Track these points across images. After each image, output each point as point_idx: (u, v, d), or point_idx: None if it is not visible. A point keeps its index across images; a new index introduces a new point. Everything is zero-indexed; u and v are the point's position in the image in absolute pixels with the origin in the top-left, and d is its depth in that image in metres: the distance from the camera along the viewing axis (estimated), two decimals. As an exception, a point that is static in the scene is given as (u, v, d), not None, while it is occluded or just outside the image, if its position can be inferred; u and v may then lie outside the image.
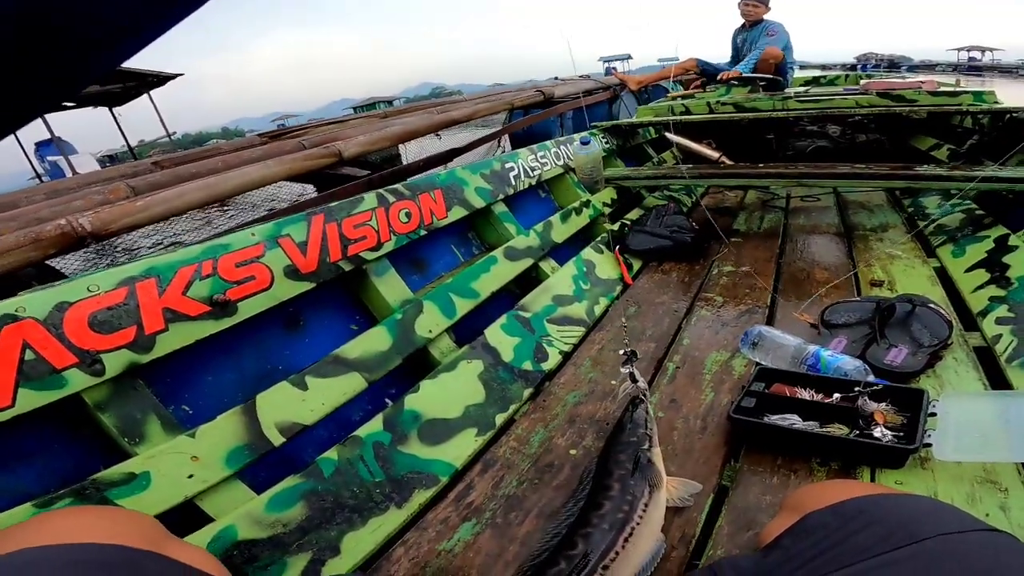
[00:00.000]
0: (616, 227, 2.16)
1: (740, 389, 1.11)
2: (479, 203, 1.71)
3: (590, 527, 0.77)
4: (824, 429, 0.98)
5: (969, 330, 1.28)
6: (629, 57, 27.87)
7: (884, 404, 0.99)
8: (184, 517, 0.84)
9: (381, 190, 1.43)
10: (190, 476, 0.84)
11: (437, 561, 0.84)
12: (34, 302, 0.84)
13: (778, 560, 0.55)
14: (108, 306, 0.91)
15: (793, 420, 1.02)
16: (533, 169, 2.05)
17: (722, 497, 0.90)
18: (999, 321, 1.25)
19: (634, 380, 1.02)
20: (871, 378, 1.08)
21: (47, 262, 1.41)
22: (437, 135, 2.93)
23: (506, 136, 3.54)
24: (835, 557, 0.49)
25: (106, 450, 0.87)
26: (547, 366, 1.40)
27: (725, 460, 0.99)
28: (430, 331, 1.33)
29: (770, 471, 0.93)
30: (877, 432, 0.93)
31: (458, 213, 1.62)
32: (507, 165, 1.92)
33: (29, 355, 0.81)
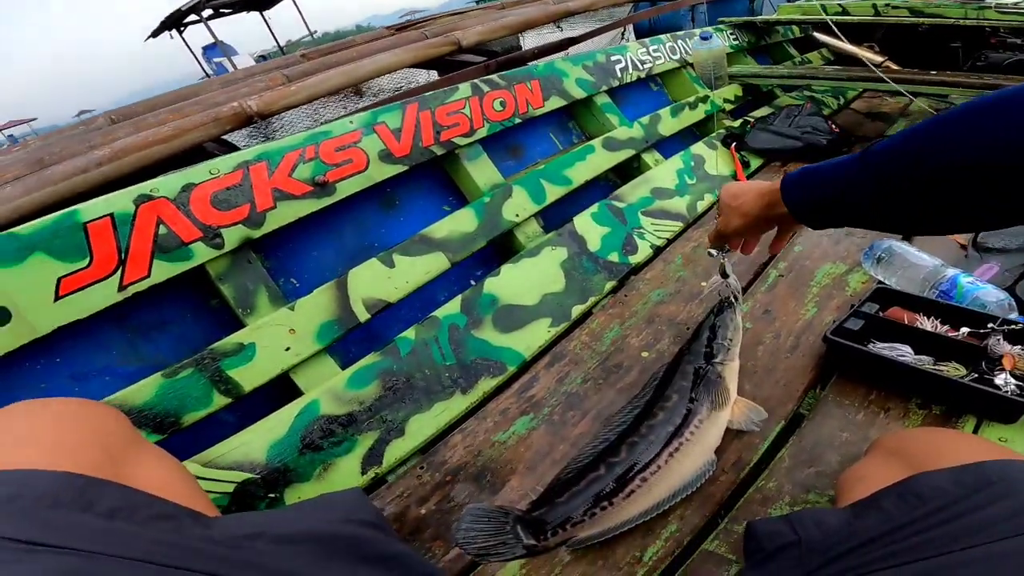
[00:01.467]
0: (737, 124, 1.93)
1: (849, 308, 1.00)
2: (579, 94, 1.65)
3: (637, 436, 0.77)
4: (937, 367, 0.87)
5: None
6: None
7: (1020, 347, 0.84)
8: (281, 389, 0.96)
9: (476, 80, 1.44)
10: (287, 349, 0.95)
11: (489, 451, 0.89)
12: (165, 184, 0.96)
13: (877, 526, 0.46)
14: (227, 187, 1.02)
15: (903, 352, 0.91)
16: (643, 63, 1.92)
17: (794, 426, 0.84)
18: None
19: (724, 275, 0.91)
20: (1014, 315, 0.91)
21: (224, 137, 1.71)
22: (558, 26, 2.80)
23: (631, 29, 3.23)
24: (952, 534, 0.40)
25: (227, 321, 1.00)
26: (635, 259, 1.34)
27: (809, 386, 0.91)
28: (517, 215, 1.32)
29: (858, 405, 0.84)
30: (1000, 379, 0.79)
31: (556, 103, 1.58)
32: (613, 58, 1.83)
33: (162, 230, 0.93)
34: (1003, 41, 2.56)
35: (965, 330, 0.89)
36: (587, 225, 1.36)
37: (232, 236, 1.00)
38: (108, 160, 1.28)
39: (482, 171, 1.39)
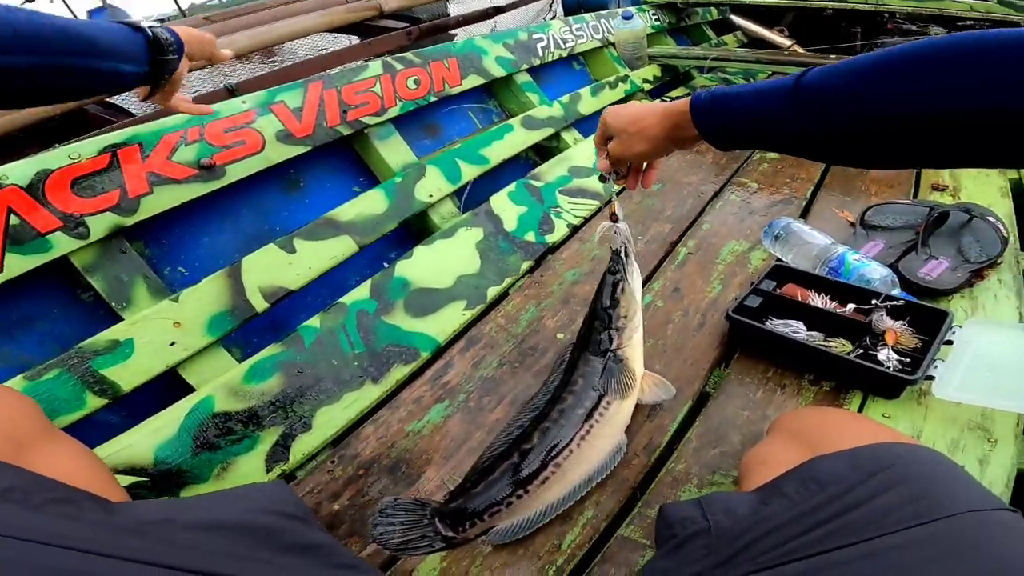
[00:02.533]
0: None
1: (750, 285, 1.03)
2: (499, 72, 1.59)
3: (549, 422, 0.74)
4: (826, 343, 0.90)
5: (1027, 251, 1.09)
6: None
7: (901, 323, 0.88)
8: (169, 385, 0.85)
9: (388, 58, 1.35)
10: (172, 343, 0.84)
11: (404, 442, 0.83)
12: (16, 170, 0.83)
13: (781, 513, 0.45)
14: (90, 172, 0.89)
15: (797, 328, 0.94)
16: (565, 41, 1.88)
17: (701, 405, 0.84)
18: (1065, 245, 1.05)
19: (614, 219, 0.80)
20: (896, 291, 0.97)
21: (114, 100, 1.63)
22: (488, -7, 2.71)
23: (559, 3, 3.19)
24: (853, 524, 0.40)
25: (103, 316, 0.88)
26: (551, 239, 1.30)
27: (715, 364, 0.92)
28: (431, 195, 1.24)
29: (757, 383, 0.85)
30: (883, 355, 0.83)
31: (474, 81, 1.52)
32: (535, 36, 1.77)
33: (14, 220, 0.81)
34: (899, 27, 2.76)
35: (852, 306, 0.91)
36: (504, 204, 1.30)
37: (99, 224, 0.87)
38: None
39: (394, 151, 1.30)
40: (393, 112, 1.31)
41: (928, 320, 0.85)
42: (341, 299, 1.01)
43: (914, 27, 2.69)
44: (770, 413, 0.80)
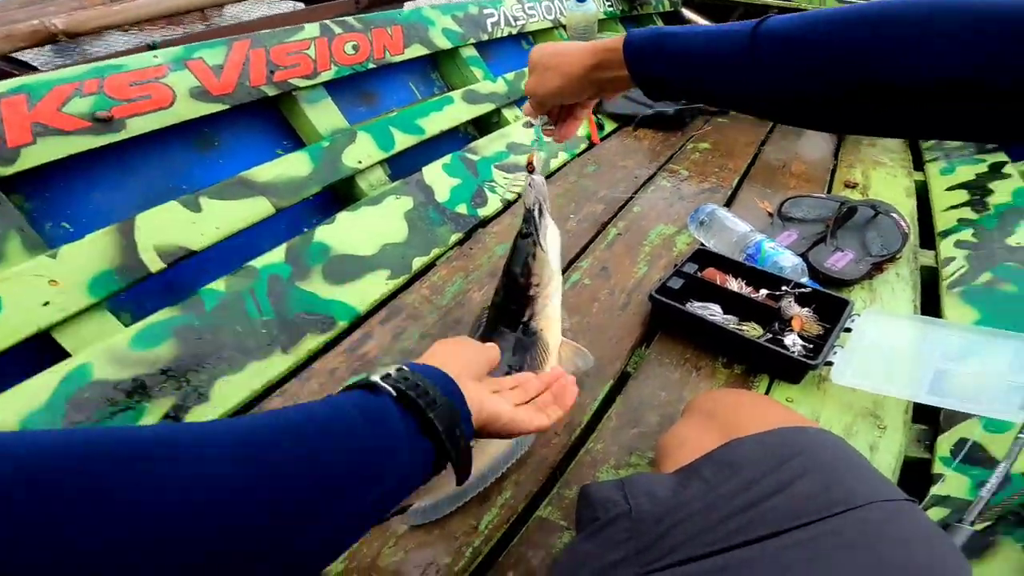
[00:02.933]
0: None
1: (673, 267, 1.03)
2: (444, 44, 1.52)
3: None
4: (739, 326, 0.91)
5: (926, 248, 1.16)
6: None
7: (807, 310, 0.91)
8: (42, 350, 0.75)
9: (327, 21, 1.26)
10: (45, 303, 0.73)
11: (312, 417, 0.79)
12: None
13: (700, 498, 0.44)
14: None
15: (714, 311, 0.95)
16: (516, 19, 1.81)
17: (621, 385, 0.83)
18: (959, 244, 1.11)
19: (530, 170, 0.72)
20: (805, 279, 1.00)
21: (18, 55, 1.58)
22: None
23: None
24: (766, 515, 0.40)
25: None
26: (484, 212, 1.26)
27: (636, 344, 0.91)
28: (360, 162, 1.16)
29: (675, 364, 0.85)
30: (789, 340, 0.85)
31: (417, 51, 1.44)
32: (486, 11, 1.70)
33: None
34: None
35: (764, 292, 0.93)
36: (437, 175, 1.25)
37: None
38: None
39: (324, 115, 1.21)
40: (326, 76, 1.22)
41: (831, 308, 0.88)
42: (251, 262, 0.93)
43: None
44: (686, 395, 0.80)
